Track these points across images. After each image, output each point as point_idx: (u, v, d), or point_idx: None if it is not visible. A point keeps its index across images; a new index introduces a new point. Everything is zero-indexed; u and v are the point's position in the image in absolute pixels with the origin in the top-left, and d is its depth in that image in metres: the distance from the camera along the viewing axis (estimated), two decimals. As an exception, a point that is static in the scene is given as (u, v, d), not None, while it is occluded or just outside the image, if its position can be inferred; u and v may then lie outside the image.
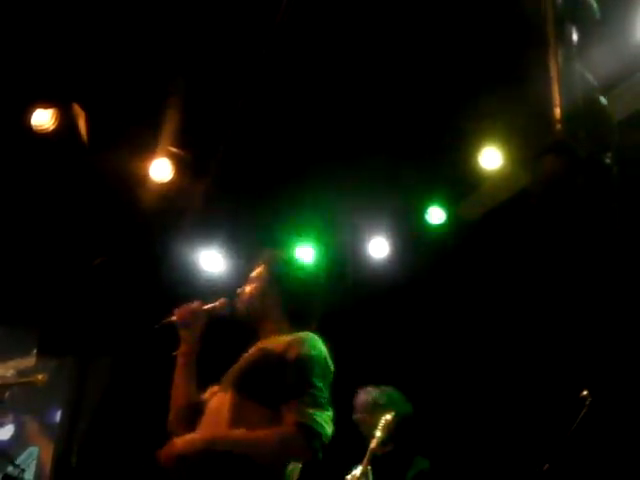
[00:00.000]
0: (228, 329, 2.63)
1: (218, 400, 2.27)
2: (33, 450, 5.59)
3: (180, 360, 2.50)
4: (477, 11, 3.48)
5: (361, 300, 5.14)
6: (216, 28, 3.76)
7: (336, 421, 2.20)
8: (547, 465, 3.03)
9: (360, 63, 3.94)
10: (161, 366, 2.61)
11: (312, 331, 2.35)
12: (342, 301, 5.06)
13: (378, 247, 5.01)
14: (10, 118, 4.05)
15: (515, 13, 3.16)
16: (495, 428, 4.31)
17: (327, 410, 2.16)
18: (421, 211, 4.78)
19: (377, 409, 3.63)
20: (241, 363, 2.35)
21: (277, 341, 2.31)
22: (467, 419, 4.51)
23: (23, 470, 4.25)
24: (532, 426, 4.01)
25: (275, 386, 2.18)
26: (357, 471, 3.49)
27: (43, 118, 4.01)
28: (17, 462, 4.51)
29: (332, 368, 2.29)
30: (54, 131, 4.02)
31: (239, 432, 2.11)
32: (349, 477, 3.52)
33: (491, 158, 4.33)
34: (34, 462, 5.54)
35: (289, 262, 2.62)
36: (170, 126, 4.27)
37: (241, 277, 2.64)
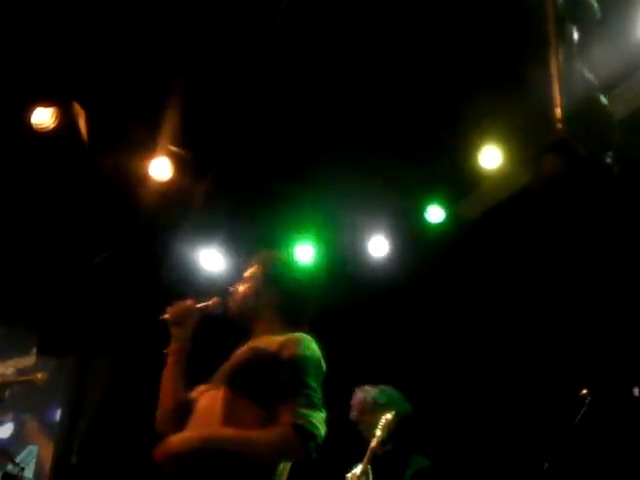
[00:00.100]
0: (217, 328, 2.63)
1: (209, 397, 2.27)
2: (33, 448, 5.59)
3: (170, 358, 2.50)
4: (477, 10, 3.49)
5: (361, 299, 5.14)
6: (216, 27, 3.76)
7: (337, 420, 2.21)
8: (547, 464, 3.04)
9: (360, 62, 3.94)
10: (161, 365, 2.61)
11: (305, 332, 2.36)
12: (342, 300, 5.07)
13: (378, 246, 5.02)
14: (10, 117, 4.05)
15: (515, 12, 3.17)
16: (495, 427, 4.32)
17: (321, 411, 2.16)
18: (421, 210, 4.79)
19: (376, 408, 3.63)
20: (232, 361, 2.35)
21: (270, 340, 2.32)
22: (467, 418, 4.52)
23: (23, 468, 4.24)
24: (532, 425, 4.01)
25: (269, 385, 2.18)
26: (357, 470, 3.50)
27: (43, 117, 4.00)
28: (17, 460, 4.50)
29: (324, 369, 2.30)
30: (54, 130, 4.02)
31: (235, 431, 2.12)
32: (349, 476, 3.53)
33: (491, 157, 4.33)
34: (34, 460, 5.54)
35: (284, 263, 2.62)
36: (170, 125, 4.27)
37: (241, 276, 2.65)
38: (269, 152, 4.56)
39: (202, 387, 2.42)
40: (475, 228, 4.77)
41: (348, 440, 3.78)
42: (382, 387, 3.77)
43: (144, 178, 4.49)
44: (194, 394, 2.44)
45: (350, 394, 3.85)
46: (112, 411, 5.21)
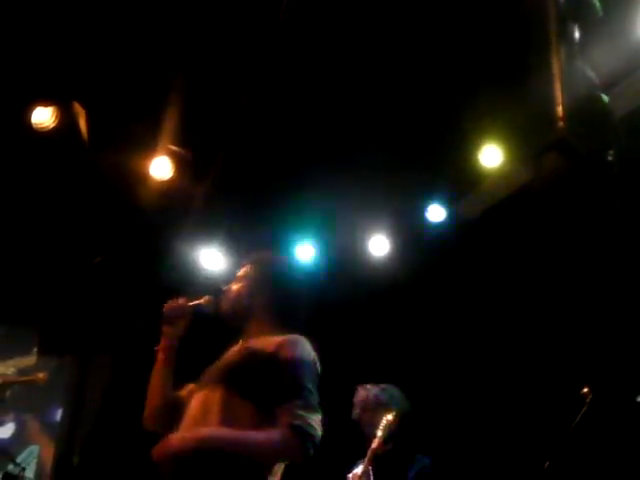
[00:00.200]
0: (206, 327, 2.63)
1: (204, 397, 2.27)
2: (34, 448, 5.59)
3: (160, 355, 2.51)
4: (478, 9, 3.48)
5: (361, 298, 5.14)
6: (218, 26, 3.76)
7: (337, 420, 2.21)
8: (548, 462, 3.04)
9: (361, 62, 3.94)
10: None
11: (298, 333, 2.36)
12: (342, 299, 5.07)
13: (378, 245, 5.02)
14: (10, 116, 4.04)
15: (516, 11, 3.16)
16: (496, 426, 4.32)
17: (318, 412, 2.18)
18: (421, 209, 4.78)
19: (378, 406, 3.63)
20: (226, 361, 2.35)
21: (266, 341, 2.32)
22: (468, 417, 4.51)
23: (24, 469, 4.24)
24: (533, 424, 4.01)
25: (266, 386, 2.19)
26: (358, 470, 3.50)
27: (43, 116, 4.00)
28: (18, 460, 4.50)
29: (320, 371, 2.31)
30: (54, 129, 4.01)
31: (233, 431, 2.12)
32: (350, 476, 3.53)
33: (491, 156, 4.33)
34: (35, 461, 5.53)
35: (278, 263, 2.63)
36: (170, 124, 4.26)
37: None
38: (270, 152, 4.56)
39: (192, 386, 2.43)
40: (476, 227, 4.76)
41: (349, 440, 3.78)
42: (384, 386, 3.77)
43: (144, 177, 4.49)
44: (183, 392, 2.45)
45: (351, 394, 3.85)
46: (113, 411, 5.20)
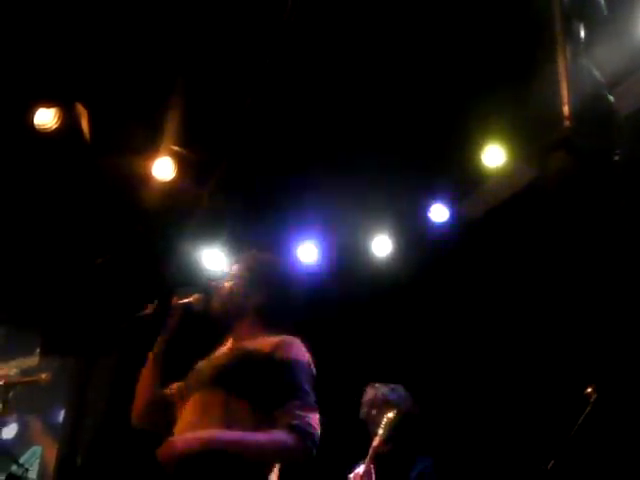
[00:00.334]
0: (193, 325, 2.63)
1: (201, 399, 2.27)
2: (36, 449, 5.59)
3: (149, 353, 2.54)
4: (483, 8, 3.47)
5: (364, 298, 5.13)
6: (221, 27, 3.75)
7: (338, 419, 2.22)
8: (551, 463, 3.03)
9: (364, 62, 3.93)
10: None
11: (289, 334, 2.37)
12: (345, 300, 5.06)
13: (381, 245, 5.01)
14: (13, 117, 4.05)
15: (522, 10, 3.15)
16: (499, 426, 4.31)
17: (316, 412, 2.20)
18: (424, 209, 4.77)
19: (386, 405, 3.62)
20: (219, 362, 2.36)
21: (260, 342, 2.33)
22: (471, 417, 4.51)
23: (27, 469, 4.24)
24: (536, 424, 4.00)
25: (264, 387, 2.21)
26: (360, 469, 3.49)
27: (46, 117, 4.00)
28: (21, 461, 4.49)
29: (315, 372, 2.33)
30: (57, 130, 4.02)
31: (238, 433, 2.13)
32: (351, 476, 3.52)
33: (494, 155, 4.32)
34: (37, 461, 5.53)
35: (271, 264, 2.64)
36: (173, 125, 4.26)
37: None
38: (273, 152, 4.55)
39: (178, 384, 2.44)
40: (478, 227, 4.76)
41: (349, 440, 3.78)
42: (393, 386, 3.76)
43: (147, 178, 4.49)
44: (171, 391, 2.46)
45: (352, 394, 3.84)
46: (116, 411, 5.20)
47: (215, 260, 5.06)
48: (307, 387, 2.23)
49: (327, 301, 4.99)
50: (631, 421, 3.48)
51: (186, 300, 2.54)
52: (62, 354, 5.49)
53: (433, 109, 4.19)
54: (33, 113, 4.00)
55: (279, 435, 2.11)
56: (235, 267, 2.61)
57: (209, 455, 2.07)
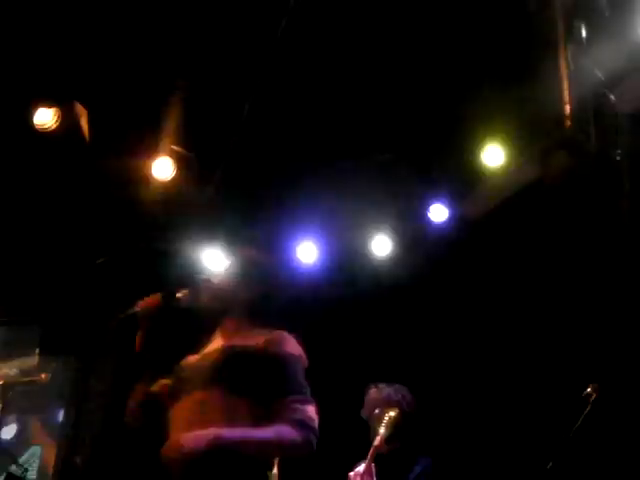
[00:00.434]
0: (178, 321, 2.63)
1: (200, 398, 2.26)
2: (36, 449, 5.58)
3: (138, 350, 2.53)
4: (483, 7, 3.47)
5: (363, 299, 5.13)
6: (221, 29, 3.76)
7: (339, 419, 2.23)
8: (551, 463, 3.03)
9: (363, 60, 3.93)
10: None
11: (278, 329, 2.38)
12: (344, 299, 5.06)
13: (381, 245, 5.01)
14: (12, 117, 4.04)
15: (523, 9, 3.15)
16: (499, 426, 4.31)
17: (313, 405, 2.22)
18: (424, 209, 4.77)
19: (389, 405, 3.61)
20: (212, 360, 2.35)
21: (253, 338, 2.34)
22: (471, 417, 4.51)
23: (26, 469, 4.25)
24: (536, 424, 4.00)
25: (261, 383, 2.21)
26: (360, 469, 3.48)
27: (45, 117, 4.00)
28: (20, 461, 4.50)
29: (307, 365, 2.35)
30: (56, 130, 4.01)
31: (243, 430, 2.14)
32: (352, 474, 3.52)
33: (494, 155, 4.32)
34: (37, 461, 5.53)
35: (264, 262, 2.64)
36: (173, 124, 4.26)
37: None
38: (272, 152, 4.55)
39: (166, 381, 2.44)
40: (478, 227, 4.76)
41: (350, 439, 3.78)
42: (397, 386, 3.75)
43: (146, 178, 4.49)
44: (159, 388, 2.45)
45: (352, 393, 3.84)
46: (115, 411, 5.19)
47: (215, 260, 5.05)
48: (303, 380, 2.26)
49: (327, 301, 4.99)
50: (631, 421, 3.47)
51: (175, 295, 2.54)
52: (62, 354, 5.49)
53: (433, 109, 4.19)
54: (33, 113, 4.00)
55: (284, 430, 2.12)
56: (226, 265, 2.63)
57: (216, 453, 2.07)
